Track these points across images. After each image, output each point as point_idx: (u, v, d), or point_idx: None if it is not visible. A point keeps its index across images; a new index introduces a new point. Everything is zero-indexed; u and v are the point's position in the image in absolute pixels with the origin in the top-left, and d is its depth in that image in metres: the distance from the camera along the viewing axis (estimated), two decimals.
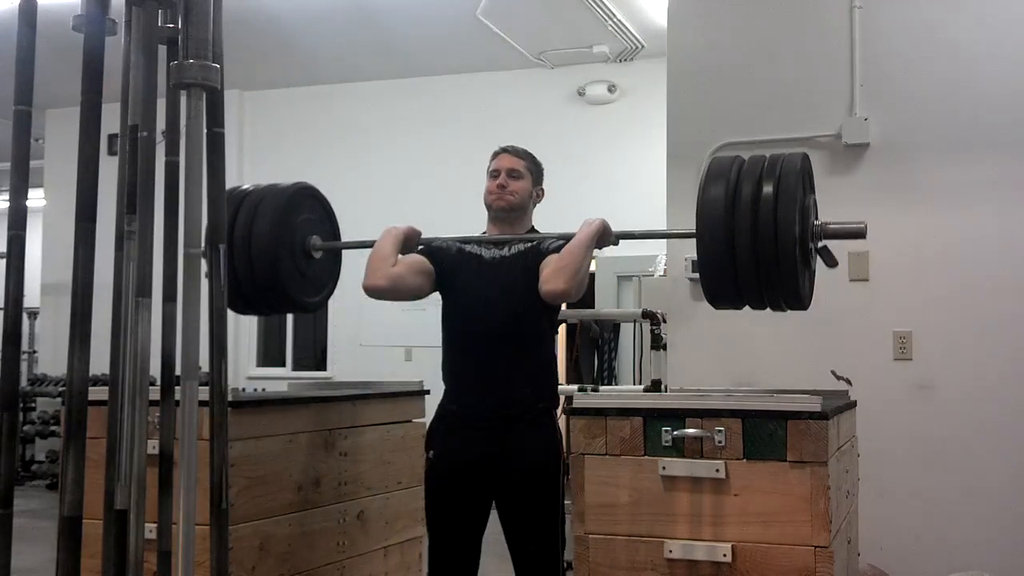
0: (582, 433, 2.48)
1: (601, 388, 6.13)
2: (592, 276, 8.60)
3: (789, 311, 2.75)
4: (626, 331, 7.89)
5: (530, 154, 3.14)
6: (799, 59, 4.80)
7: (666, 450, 2.40)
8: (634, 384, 6.96)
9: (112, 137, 1.83)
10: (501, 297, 2.94)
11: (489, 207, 3.08)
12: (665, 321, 5.00)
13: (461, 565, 2.96)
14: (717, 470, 2.35)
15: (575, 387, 5.47)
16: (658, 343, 5.04)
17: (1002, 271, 4.40)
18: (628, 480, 2.42)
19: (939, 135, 4.53)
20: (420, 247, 3.08)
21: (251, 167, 9.34)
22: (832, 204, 4.67)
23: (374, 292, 2.92)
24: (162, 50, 1.83)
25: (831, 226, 2.74)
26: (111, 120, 1.81)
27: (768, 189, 2.52)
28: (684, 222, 4.86)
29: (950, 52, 4.54)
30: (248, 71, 8.74)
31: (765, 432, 2.32)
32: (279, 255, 3.01)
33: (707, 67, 4.95)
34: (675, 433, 2.39)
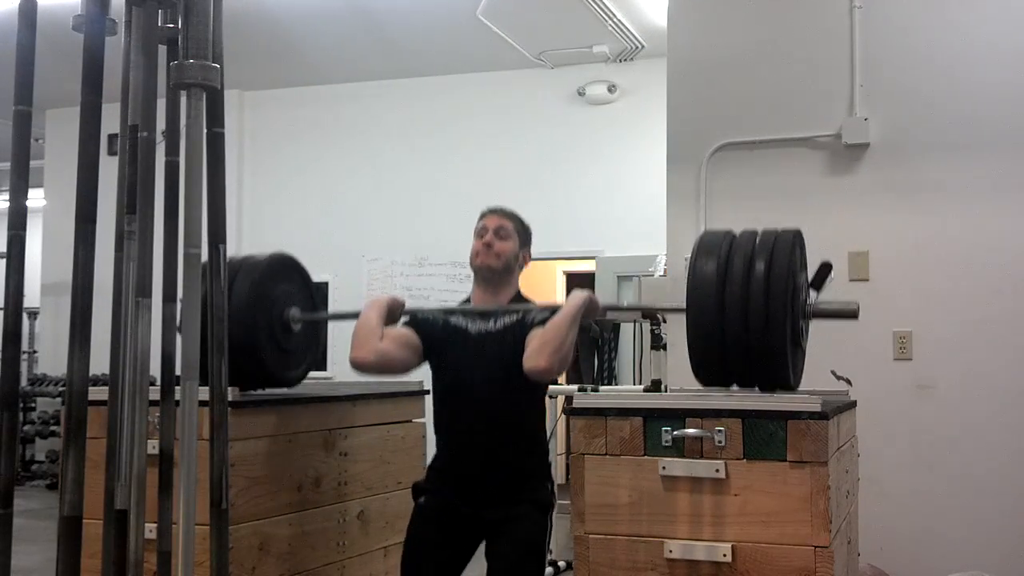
0: (582, 433, 2.48)
1: (601, 388, 6.13)
2: (592, 276, 8.64)
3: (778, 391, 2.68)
4: (626, 331, 7.88)
5: (518, 216, 3.07)
6: (799, 59, 4.80)
7: (666, 450, 2.40)
8: (634, 384, 6.96)
9: (112, 137, 1.84)
10: (488, 374, 2.87)
11: (475, 267, 3.01)
12: (665, 321, 5.00)
13: None
14: (717, 470, 2.35)
15: (575, 387, 5.47)
16: (658, 343, 5.04)
17: (1002, 271, 4.40)
18: (628, 480, 2.41)
19: (939, 135, 4.53)
20: (405, 319, 3.02)
21: (251, 167, 9.34)
22: (832, 204, 4.70)
23: (361, 367, 2.87)
24: (162, 50, 1.83)
25: (822, 306, 2.70)
26: (111, 120, 1.81)
27: (760, 267, 2.49)
28: (683, 222, 4.89)
29: (950, 52, 4.54)
30: (248, 71, 8.73)
31: (765, 432, 2.32)
32: (256, 329, 2.91)
33: (707, 67, 4.95)
34: (675, 433, 2.39)
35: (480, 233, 3.02)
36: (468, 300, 3.06)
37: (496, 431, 2.87)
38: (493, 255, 2.97)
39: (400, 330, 2.98)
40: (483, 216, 3.07)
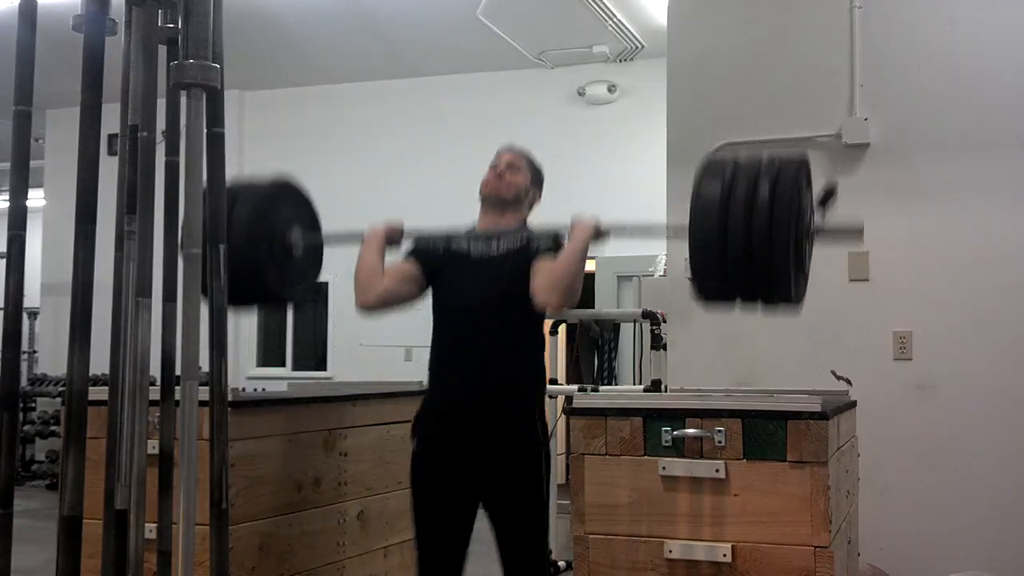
0: (582, 433, 2.48)
1: (601, 388, 6.12)
2: (592, 276, 8.64)
3: (785, 313, 2.70)
4: (626, 331, 7.89)
5: (531, 156, 3.13)
6: (799, 59, 4.79)
7: (666, 450, 2.40)
8: (634, 384, 6.96)
9: (112, 137, 1.84)
10: (487, 296, 2.90)
11: (483, 195, 3.05)
12: (665, 321, 4.99)
13: (446, 560, 2.91)
14: (717, 470, 2.34)
15: (575, 387, 5.46)
16: (658, 343, 5.04)
17: (1002, 271, 4.40)
18: (628, 480, 2.41)
19: (939, 135, 4.53)
20: (408, 247, 3.07)
21: (251, 167, 9.31)
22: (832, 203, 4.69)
23: (366, 312, 2.96)
24: (162, 50, 1.83)
25: (826, 226, 2.69)
26: (111, 120, 1.81)
27: (764, 188, 2.47)
28: (684, 221, 4.88)
29: (950, 52, 4.54)
30: (248, 71, 8.73)
31: (765, 432, 2.32)
32: (258, 257, 2.92)
33: (707, 67, 4.95)
34: (675, 433, 2.39)
35: (494, 166, 3.07)
36: (472, 228, 3.09)
37: (492, 354, 2.88)
38: (504, 184, 3.02)
39: (401, 265, 3.02)
40: (498, 153, 3.12)
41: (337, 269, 9.69)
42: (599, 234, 2.85)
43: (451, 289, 2.97)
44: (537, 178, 3.12)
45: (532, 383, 2.98)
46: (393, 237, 3.06)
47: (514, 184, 3.03)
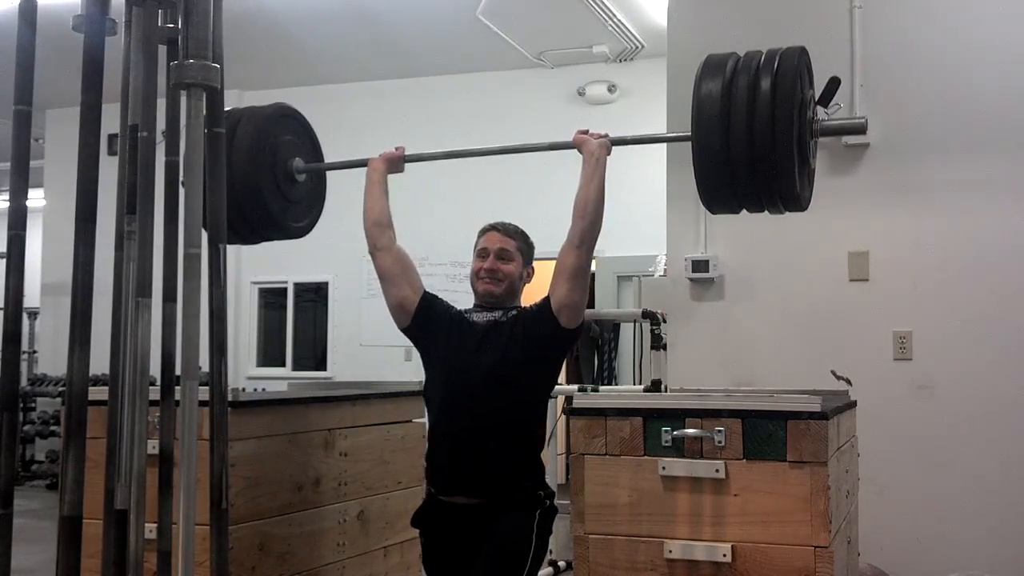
0: (582, 433, 2.47)
1: (601, 388, 6.12)
2: (592, 276, 8.63)
3: (788, 212, 2.64)
4: (626, 331, 7.89)
5: (521, 232, 2.96)
6: None
7: (666, 450, 2.40)
8: (634, 384, 6.96)
9: (112, 137, 1.84)
10: (492, 362, 2.74)
11: (477, 292, 2.89)
12: (665, 321, 5.00)
13: None
14: (717, 470, 2.34)
15: (575, 387, 5.46)
16: (658, 343, 5.04)
17: (1002, 271, 4.40)
18: (628, 480, 2.41)
19: (939, 135, 4.53)
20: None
21: None
22: (832, 204, 4.69)
23: (369, 231, 2.90)
24: (162, 50, 1.83)
25: (830, 122, 2.61)
26: (111, 120, 1.81)
27: (765, 82, 2.40)
28: (683, 222, 4.89)
29: (950, 52, 4.54)
30: (248, 71, 8.73)
31: (765, 432, 2.32)
32: (260, 177, 2.91)
33: None
34: (675, 433, 2.39)
35: (481, 255, 2.89)
36: (472, 311, 2.92)
37: (492, 420, 2.72)
38: (495, 280, 2.86)
39: (413, 272, 2.91)
40: (483, 233, 2.93)
41: (337, 269, 9.70)
42: (605, 153, 2.83)
43: (455, 353, 2.81)
44: (529, 256, 2.96)
45: (531, 452, 2.82)
46: (394, 167, 3.03)
47: (508, 277, 2.87)
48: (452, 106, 8.98)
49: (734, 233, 4.79)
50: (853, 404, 3.12)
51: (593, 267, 9.51)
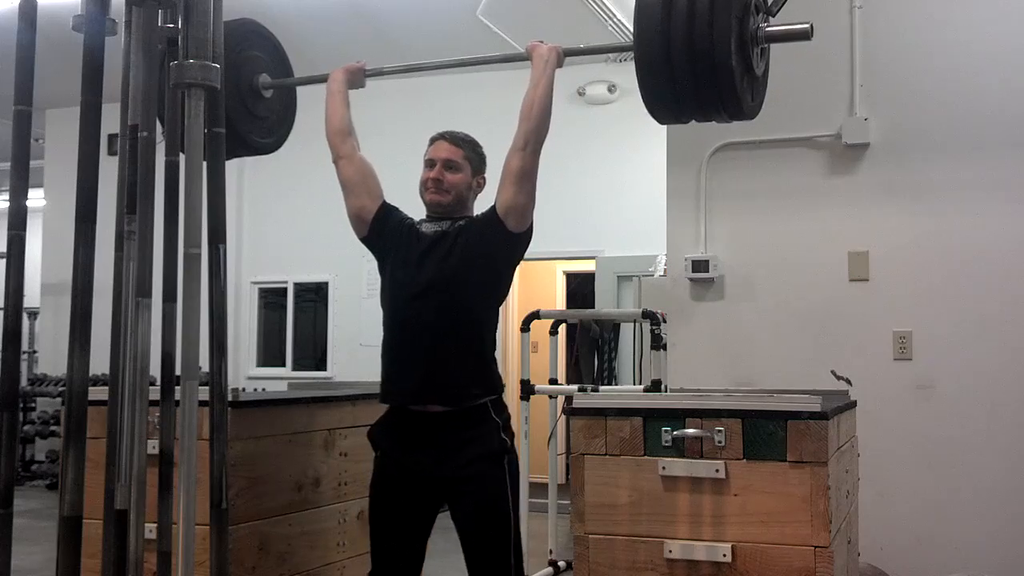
0: (582, 433, 2.47)
1: (601, 388, 6.12)
2: (592, 276, 8.64)
3: (733, 121, 2.62)
4: (626, 331, 7.89)
5: (470, 140, 2.95)
6: (799, 59, 4.78)
7: (666, 450, 2.40)
8: (634, 384, 6.96)
9: (112, 137, 1.84)
10: (433, 271, 2.73)
11: (424, 202, 2.88)
12: (665, 321, 5.00)
13: (402, 567, 2.76)
14: (717, 470, 2.34)
15: (575, 387, 5.46)
16: (658, 343, 5.04)
17: (1002, 271, 4.40)
18: (628, 480, 2.41)
19: (939, 135, 4.53)
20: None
21: (251, 166, 9.32)
22: (832, 204, 4.69)
23: (330, 138, 3.03)
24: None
25: (771, 28, 2.58)
26: (111, 120, 1.81)
27: None
28: (683, 222, 4.89)
29: (950, 51, 4.54)
30: None
31: (765, 432, 2.32)
32: (227, 92, 2.89)
33: None
34: (675, 433, 2.39)
35: (429, 164, 2.89)
36: (423, 221, 2.91)
37: (437, 329, 2.68)
38: (443, 191, 2.84)
39: (373, 182, 2.98)
40: (432, 142, 2.95)
41: (337, 269, 9.71)
42: (557, 58, 2.85)
43: (403, 266, 2.79)
44: (479, 164, 2.93)
45: (488, 374, 2.77)
46: (355, 80, 3.06)
47: (453, 188, 2.84)
48: (452, 106, 8.98)
49: (734, 233, 4.79)
50: (853, 404, 3.12)
51: (593, 267, 9.47)
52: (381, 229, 2.87)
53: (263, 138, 3.13)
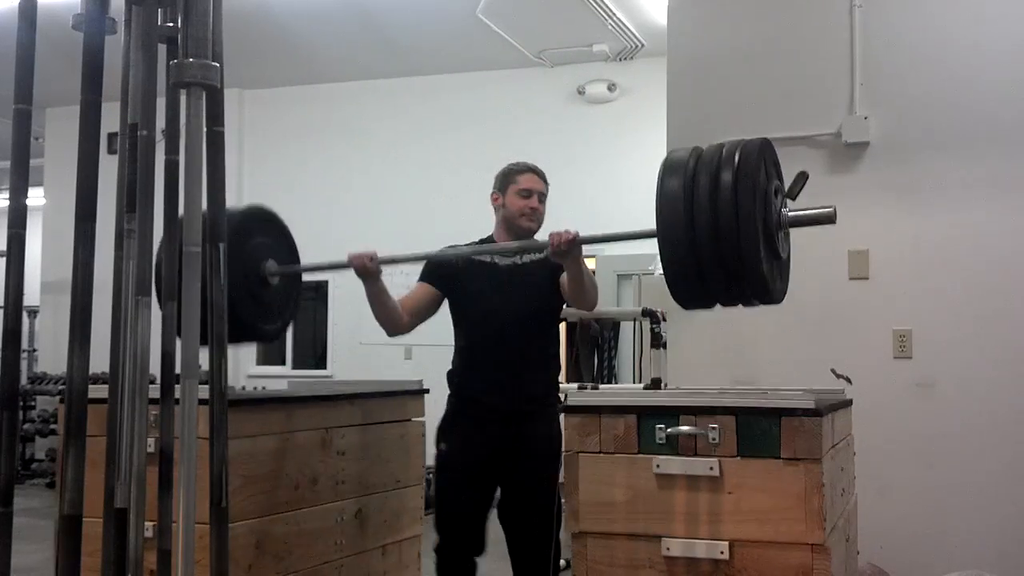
0: (576, 431, 2.47)
1: (601, 386, 6.12)
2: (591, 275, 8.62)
3: (767, 306, 2.66)
4: (626, 330, 7.88)
5: (545, 176, 3.37)
6: (799, 58, 4.79)
7: (660, 448, 2.40)
8: (634, 383, 6.96)
9: (112, 136, 1.84)
10: (521, 302, 3.20)
11: (518, 227, 3.25)
12: (665, 319, 5.00)
13: (471, 537, 3.20)
14: (711, 468, 2.35)
15: (575, 386, 5.47)
16: (658, 341, 5.04)
17: (1002, 269, 4.40)
18: (623, 478, 2.41)
19: (939, 134, 4.53)
20: (426, 274, 3.29)
21: (251, 166, 9.34)
22: (832, 202, 4.67)
23: (398, 334, 3.28)
24: (162, 49, 1.83)
25: (794, 214, 2.61)
26: (111, 119, 1.81)
27: (727, 177, 2.39)
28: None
29: (950, 51, 4.54)
30: (248, 70, 8.74)
31: (759, 429, 2.32)
32: (233, 286, 2.85)
33: (707, 66, 4.95)
34: (669, 431, 2.39)
35: (525, 195, 3.27)
36: (489, 239, 3.33)
37: (526, 356, 3.21)
38: (537, 220, 3.29)
39: (417, 295, 3.26)
40: (523, 172, 3.32)
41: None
42: (579, 247, 2.98)
43: (482, 297, 3.22)
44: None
45: (556, 379, 3.39)
46: (372, 272, 3.06)
47: (541, 216, 3.31)
48: (452, 105, 8.99)
49: None
50: (849, 402, 3.12)
51: (593, 265, 9.48)
52: (450, 288, 3.27)
53: (268, 324, 3.06)
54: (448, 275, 3.24)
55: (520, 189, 3.27)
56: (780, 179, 2.63)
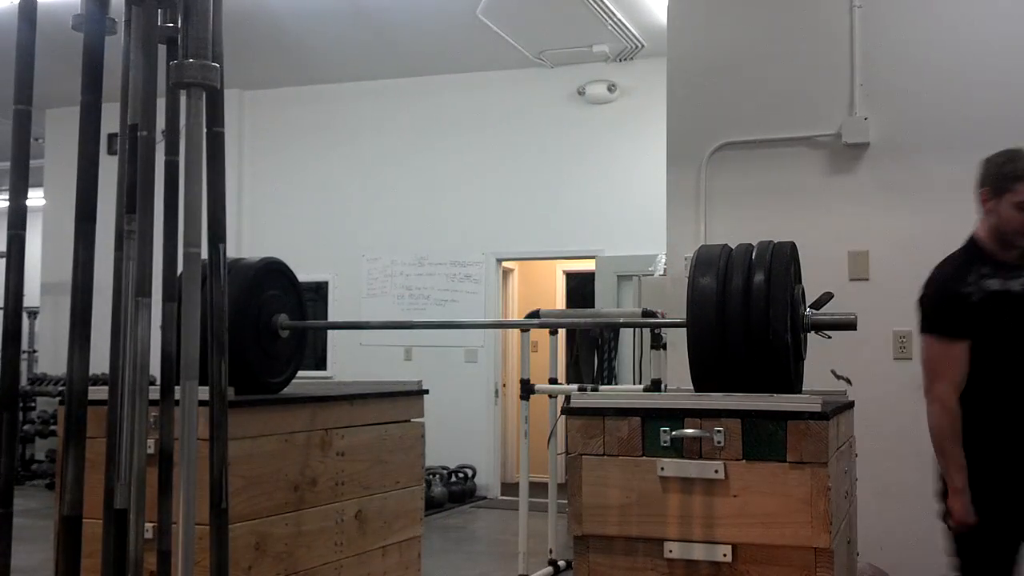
0: (579, 433, 2.47)
1: (601, 388, 6.12)
2: (592, 275, 8.64)
3: None
4: (626, 331, 7.88)
5: None
6: (799, 58, 4.80)
7: (664, 450, 2.39)
8: (634, 384, 6.96)
9: (112, 136, 1.84)
10: None
11: (1013, 244, 2.87)
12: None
13: None
14: (716, 471, 2.34)
15: (575, 387, 5.46)
16: (658, 343, 5.03)
17: None
18: (626, 481, 2.40)
19: (939, 134, 4.53)
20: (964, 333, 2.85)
21: (251, 167, 9.34)
22: (832, 204, 4.70)
23: None
24: (162, 49, 1.83)
25: (818, 317, 2.75)
26: (111, 120, 1.81)
27: (759, 279, 2.53)
28: (683, 221, 4.89)
29: (950, 51, 4.54)
30: (248, 71, 8.74)
31: (765, 432, 2.32)
32: (244, 336, 2.89)
33: (707, 67, 4.95)
34: (673, 433, 2.38)
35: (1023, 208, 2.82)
36: (971, 241, 2.95)
37: None
38: None
39: (960, 356, 2.85)
40: (1021, 180, 2.84)
41: (337, 269, 9.71)
42: None
43: (1010, 338, 2.83)
44: None
45: None
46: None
47: None
48: (452, 105, 8.99)
49: (734, 232, 4.77)
50: (851, 405, 3.11)
51: (593, 266, 9.46)
52: (975, 332, 2.85)
53: (274, 377, 3.12)
54: (975, 318, 2.83)
55: (1019, 202, 2.82)
56: (800, 280, 2.77)
